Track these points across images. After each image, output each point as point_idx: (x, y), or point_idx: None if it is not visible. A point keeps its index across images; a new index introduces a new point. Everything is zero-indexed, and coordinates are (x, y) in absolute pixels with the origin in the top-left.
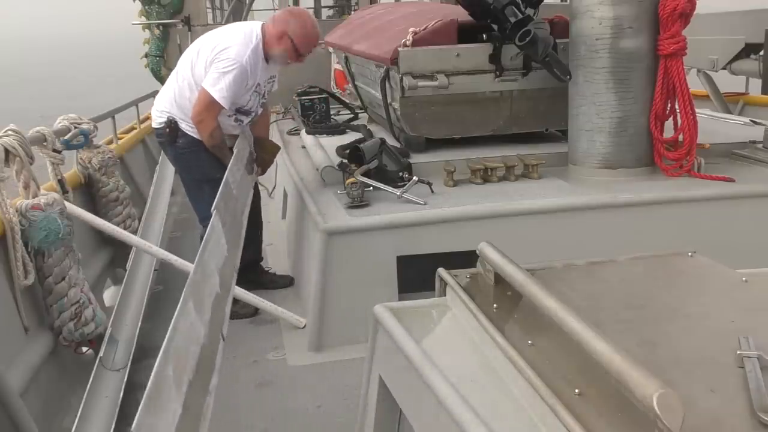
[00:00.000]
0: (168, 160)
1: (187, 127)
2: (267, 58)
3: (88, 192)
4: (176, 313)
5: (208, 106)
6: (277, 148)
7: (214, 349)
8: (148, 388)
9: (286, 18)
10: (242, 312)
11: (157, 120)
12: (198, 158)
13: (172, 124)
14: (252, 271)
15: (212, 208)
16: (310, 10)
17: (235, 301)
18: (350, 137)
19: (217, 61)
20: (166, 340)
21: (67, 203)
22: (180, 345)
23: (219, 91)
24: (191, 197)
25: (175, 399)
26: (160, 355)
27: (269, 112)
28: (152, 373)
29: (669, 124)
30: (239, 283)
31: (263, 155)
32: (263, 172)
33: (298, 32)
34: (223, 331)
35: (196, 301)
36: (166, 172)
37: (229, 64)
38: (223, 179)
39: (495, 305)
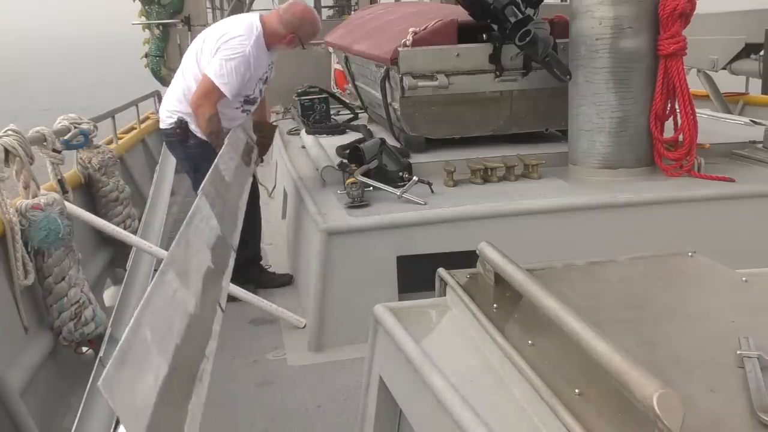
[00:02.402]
0: (174, 157)
1: (197, 128)
2: (268, 47)
3: (88, 192)
4: (151, 283)
5: (209, 92)
6: (273, 129)
7: (210, 317)
8: (119, 346)
9: (293, 19)
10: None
11: (167, 120)
12: (208, 157)
13: (182, 125)
14: (252, 270)
15: (199, 189)
16: None
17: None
18: (350, 137)
19: (221, 49)
20: (140, 306)
21: (67, 203)
22: (158, 310)
23: (221, 78)
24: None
25: (156, 360)
26: (132, 319)
27: (265, 98)
28: (124, 334)
29: (669, 124)
30: (239, 283)
31: (261, 139)
32: (263, 153)
33: (308, 36)
34: (221, 303)
35: (180, 273)
36: (166, 172)
37: (233, 52)
38: (213, 164)
39: (495, 305)
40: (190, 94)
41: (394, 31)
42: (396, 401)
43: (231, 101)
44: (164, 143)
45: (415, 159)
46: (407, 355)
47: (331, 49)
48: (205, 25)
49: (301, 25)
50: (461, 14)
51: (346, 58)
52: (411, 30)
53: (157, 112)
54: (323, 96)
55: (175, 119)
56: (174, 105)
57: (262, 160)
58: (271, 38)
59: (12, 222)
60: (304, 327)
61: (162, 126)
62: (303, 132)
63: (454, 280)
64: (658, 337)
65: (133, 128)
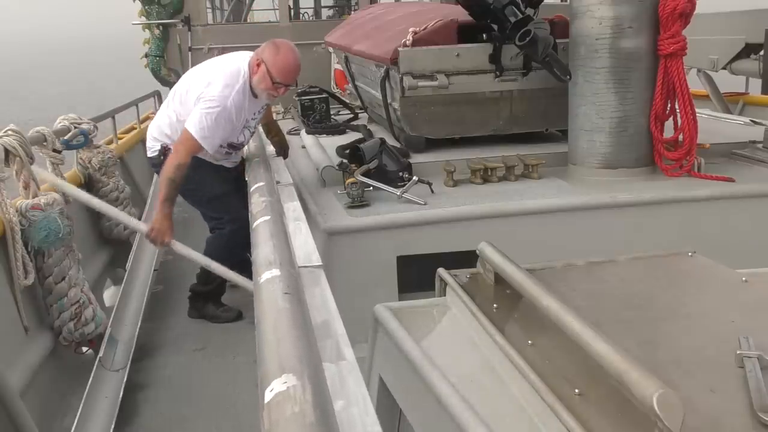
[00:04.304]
0: None
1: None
2: (255, 94)
3: (88, 192)
4: None
5: (189, 146)
6: (277, 124)
7: None
8: None
9: (263, 47)
10: (224, 315)
11: (152, 149)
12: (196, 180)
13: (166, 152)
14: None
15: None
16: (310, 10)
17: (220, 304)
18: (350, 137)
19: (202, 100)
20: None
21: (67, 203)
22: None
23: (200, 131)
24: (200, 211)
25: None
26: None
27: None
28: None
29: (669, 124)
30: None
31: (275, 137)
32: (285, 149)
33: (270, 60)
34: None
35: None
36: None
37: (212, 104)
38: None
39: (495, 305)
40: (172, 130)
41: (394, 31)
42: (396, 401)
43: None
44: (155, 175)
45: (415, 159)
46: (407, 355)
47: (331, 49)
48: (205, 25)
49: (265, 48)
50: (461, 14)
51: (346, 58)
52: (411, 30)
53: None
54: (323, 96)
55: (159, 147)
56: (157, 134)
57: (286, 155)
58: (254, 81)
59: (12, 222)
60: None
61: (148, 155)
62: (303, 132)
63: (454, 280)
64: (658, 337)
65: (133, 128)
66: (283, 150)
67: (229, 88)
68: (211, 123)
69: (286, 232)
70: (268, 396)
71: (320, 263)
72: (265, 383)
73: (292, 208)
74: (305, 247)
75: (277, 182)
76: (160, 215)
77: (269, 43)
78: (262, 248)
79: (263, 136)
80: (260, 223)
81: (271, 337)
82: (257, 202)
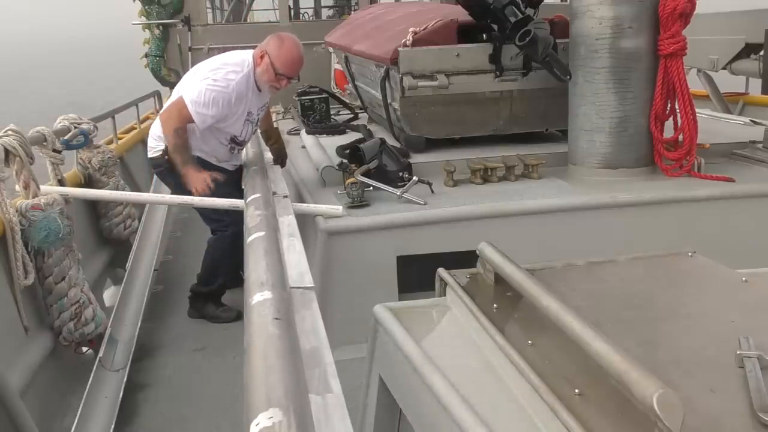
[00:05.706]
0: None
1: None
2: (259, 87)
3: None
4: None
5: (181, 113)
6: (278, 131)
7: None
8: None
9: (267, 39)
10: (224, 315)
11: (154, 149)
12: None
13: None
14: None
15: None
16: (310, 10)
17: (220, 304)
18: (350, 137)
19: (208, 78)
20: None
21: (67, 203)
22: None
23: (195, 104)
24: (200, 213)
25: None
26: None
27: (268, 104)
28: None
29: (669, 124)
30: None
31: (274, 145)
32: (283, 157)
33: (274, 52)
34: None
35: None
36: None
37: (217, 84)
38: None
39: (495, 305)
40: None
41: (394, 31)
42: (396, 401)
43: (219, 142)
44: (154, 175)
45: (415, 159)
46: (407, 355)
47: (331, 49)
48: (205, 25)
49: (270, 41)
50: (461, 14)
51: (346, 58)
52: (411, 30)
53: (157, 112)
54: (323, 96)
55: (162, 147)
56: (159, 133)
57: (283, 164)
58: (257, 72)
59: (12, 222)
60: None
61: (150, 155)
62: (303, 132)
63: (454, 280)
64: (658, 337)
65: (133, 128)
66: (281, 158)
67: (234, 74)
68: (209, 99)
69: (280, 249)
70: (254, 430)
71: (312, 285)
72: (252, 416)
73: (287, 222)
74: (298, 266)
75: (274, 193)
76: (189, 175)
77: (273, 36)
78: (255, 267)
79: (263, 143)
80: (254, 239)
81: (260, 364)
82: (252, 215)
